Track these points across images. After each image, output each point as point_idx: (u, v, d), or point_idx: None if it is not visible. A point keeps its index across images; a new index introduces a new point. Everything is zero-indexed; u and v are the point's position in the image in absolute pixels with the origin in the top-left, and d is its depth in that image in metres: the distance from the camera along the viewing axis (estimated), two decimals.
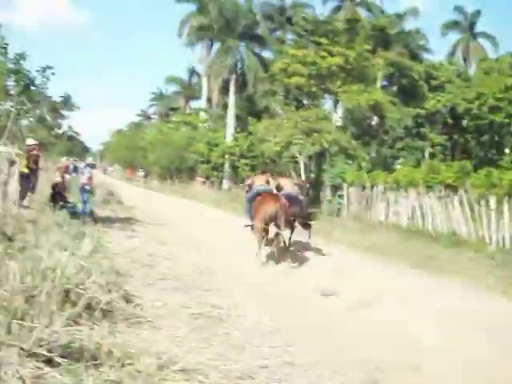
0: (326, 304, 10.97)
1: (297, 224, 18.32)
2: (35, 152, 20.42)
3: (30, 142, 20.40)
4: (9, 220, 14.52)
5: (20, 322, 5.91)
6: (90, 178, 21.24)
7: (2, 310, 6.39)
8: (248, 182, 19.11)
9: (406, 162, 43.94)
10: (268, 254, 16.29)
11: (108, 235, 17.31)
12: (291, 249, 17.54)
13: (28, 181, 20.15)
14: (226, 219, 30.08)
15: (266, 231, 16.10)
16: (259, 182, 17.89)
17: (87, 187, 21.21)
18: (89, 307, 7.35)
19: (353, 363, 7.35)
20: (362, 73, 41.02)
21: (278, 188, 17.66)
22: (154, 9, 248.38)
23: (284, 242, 16.95)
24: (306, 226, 19.05)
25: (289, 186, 18.43)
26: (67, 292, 7.30)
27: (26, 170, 19.87)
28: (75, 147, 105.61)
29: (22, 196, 20.10)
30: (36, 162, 20.69)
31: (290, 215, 16.67)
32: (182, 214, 28.86)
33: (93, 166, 23.05)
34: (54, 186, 21.04)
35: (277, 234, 15.93)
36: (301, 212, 18.13)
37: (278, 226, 15.68)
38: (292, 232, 18.00)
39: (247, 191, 18.37)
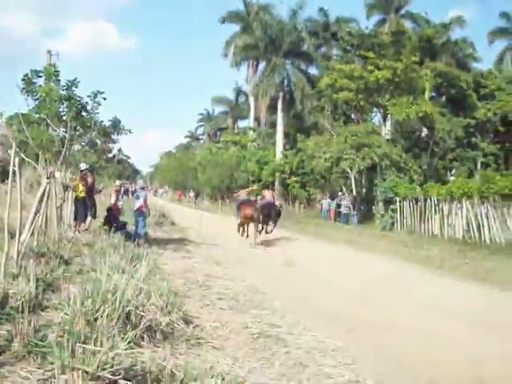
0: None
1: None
2: (89, 177, 20.67)
3: (83, 166, 20.65)
4: (65, 244, 14.71)
5: (83, 345, 5.94)
6: (146, 201, 21.39)
7: (64, 333, 6.45)
8: (235, 194, 30.43)
9: (459, 172, 43.39)
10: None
11: (163, 257, 17.38)
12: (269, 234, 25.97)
13: (85, 205, 20.41)
14: (279, 238, 30.03)
15: (247, 225, 26.18)
16: (243, 194, 27.79)
17: (144, 210, 21.39)
18: (149, 329, 7.39)
19: None
20: (410, 85, 40.76)
21: (262, 196, 26.96)
22: (198, 31, 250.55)
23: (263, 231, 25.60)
24: (277, 220, 26.59)
25: (268, 195, 26.71)
26: (128, 314, 7.34)
27: (82, 195, 20.13)
28: (125, 170, 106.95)
29: (82, 220, 20.37)
30: (91, 187, 20.94)
31: (264, 215, 24.89)
32: (234, 235, 28.84)
33: (143, 189, 23.15)
34: (109, 209, 21.30)
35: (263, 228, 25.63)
36: (274, 212, 25.78)
37: (254, 222, 24.74)
38: (275, 225, 26.30)
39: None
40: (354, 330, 9.79)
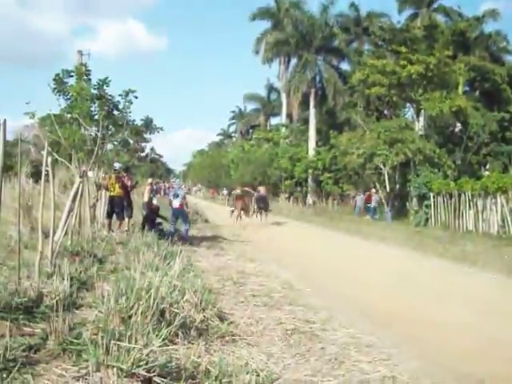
0: None
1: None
2: (125, 176, 20.77)
3: (117, 166, 20.75)
4: (99, 242, 14.83)
5: (118, 343, 5.97)
6: (185, 199, 21.51)
7: (99, 330, 6.50)
8: (233, 191, 38.17)
9: (493, 167, 42.96)
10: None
11: (197, 254, 17.47)
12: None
13: (122, 205, 20.53)
14: (313, 234, 30.00)
15: (240, 214, 32.93)
16: (238, 190, 34.92)
17: (185, 208, 21.51)
18: (184, 326, 7.42)
19: None
20: (444, 79, 40.43)
21: (258, 191, 35.33)
22: (229, 29, 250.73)
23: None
24: (267, 211, 34.87)
25: (262, 190, 35.45)
26: (162, 312, 7.38)
27: (118, 194, 20.25)
28: (158, 169, 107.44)
29: (121, 220, 20.51)
30: (128, 187, 21.04)
31: (258, 204, 34.28)
32: (267, 231, 28.83)
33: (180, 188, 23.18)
34: (150, 209, 21.44)
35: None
36: (265, 205, 34.79)
37: (245, 211, 33.63)
38: (266, 215, 34.83)
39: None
40: (390, 326, 9.73)
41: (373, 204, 41.86)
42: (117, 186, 20.27)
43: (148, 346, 6.03)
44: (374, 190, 42.42)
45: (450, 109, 37.84)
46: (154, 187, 28.28)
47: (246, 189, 36.82)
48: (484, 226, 30.01)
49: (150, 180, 25.84)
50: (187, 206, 22.13)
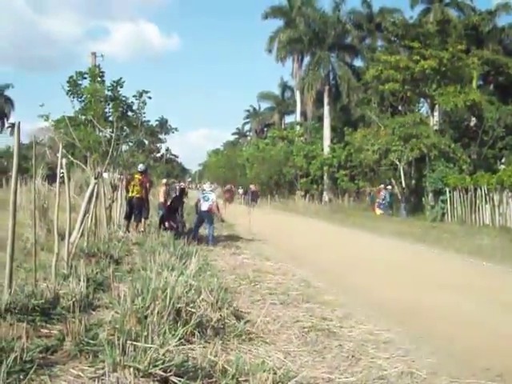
0: None
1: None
2: (144, 178, 20.75)
3: (141, 167, 20.73)
4: (115, 243, 14.85)
5: (134, 343, 5.97)
6: (215, 203, 21.47)
7: (115, 331, 6.50)
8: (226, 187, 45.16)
9: (509, 161, 42.70)
10: None
11: (213, 253, 17.47)
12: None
13: (142, 206, 20.53)
14: (330, 231, 29.95)
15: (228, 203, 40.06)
16: (228, 186, 41.31)
17: (213, 212, 21.47)
18: (200, 325, 7.41)
19: None
20: (457, 73, 40.20)
21: (249, 187, 47.05)
22: (242, 27, 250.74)
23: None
24: (257, 200, 42.65)
25: (253, 187, 47.15)
26: (178, 311, 7.38)
27: (138, 195, 20.24)
28: (174, 169, 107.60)
29: (139, 220, 20.52)
30: (145, 187, 21.05)
31: (252, 198, 45.37)
32: (284, 229, 28.82)
33: (212, 191, 23.04)
34: (167, 207, 21.44)
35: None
36: (255, 198, 43.16)
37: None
38: (254, 206, 40.77)
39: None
40: (407, 321, 9.70)
41: (383, 199, 41.88)
42: (138, 187, 20.25)
43: (164, 346, 6.03)
44: (382, 186, 42.47)
45: (464, 103, 37.65)
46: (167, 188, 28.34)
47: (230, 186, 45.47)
48: (501, 219, 29.89)
49: (164, 180, 25.82)
50: (218, 209, 21.99)
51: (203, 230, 21.56)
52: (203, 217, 20.98)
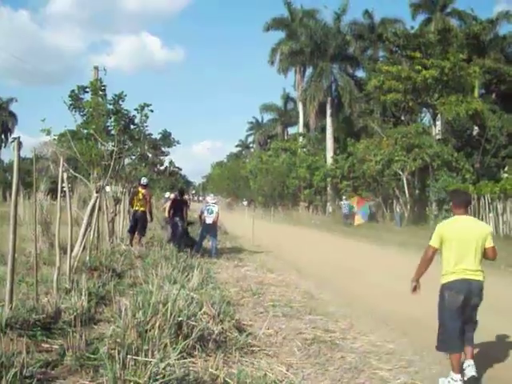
0: None
1: None
2: (146, 191, 20.68)
3: (144, 181, 20.67)
4: (118, 257, 14.82)
5: (134, 357, 5.95)
6: (218, 215, 21.53)
7: (116, 345, 6.47)
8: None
9: None
10: None
11: (216, 266, 17.42)
12: None
13: (145, 219, 20.48)
14: (333, 242, 29.91)
15: None
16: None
17: (217, 224, 21.60)
18: (202, 338, 7.38)
19: None
20: (459, 83, 40.24)
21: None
22: (244, 40, 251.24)
23: None
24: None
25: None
26: (179, 324, 7.34)
27: (142, 209, 20.20)
28: (178, 182, 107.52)
29: (143, 234, 20.48)
30: (150, 202, 21.01)
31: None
32: (287, 241, 28.78)
33: (216, 204, 22.95)
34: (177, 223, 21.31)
35: None
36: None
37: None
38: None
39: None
40: (409, 333, 9.67)
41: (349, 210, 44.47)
42: (142, 200, 20.21)
43: (165, 360, 6.00)
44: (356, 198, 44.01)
45: (466, 112, 37.69)
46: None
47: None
48: (504, 228, 29.85)
49: (167, 194, 25.78)
50: (217, 219, 22.11)
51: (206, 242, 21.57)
52: (208, 230, 20.96)
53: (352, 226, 42.99)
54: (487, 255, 7.51)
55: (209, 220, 20.80)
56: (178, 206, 20.85)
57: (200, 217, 21.63)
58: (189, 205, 23.69)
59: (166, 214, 22.03)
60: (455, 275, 7.37)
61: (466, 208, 7.81)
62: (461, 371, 6.99)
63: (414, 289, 7.86)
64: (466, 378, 6.95)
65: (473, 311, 7.36)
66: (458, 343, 7.16)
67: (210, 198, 22.51)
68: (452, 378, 6.96)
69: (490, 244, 7.42)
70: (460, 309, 7.23)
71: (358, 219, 43.35)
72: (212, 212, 20.90)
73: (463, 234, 7.39)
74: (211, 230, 20.95)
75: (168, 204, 22.60)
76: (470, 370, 7.02)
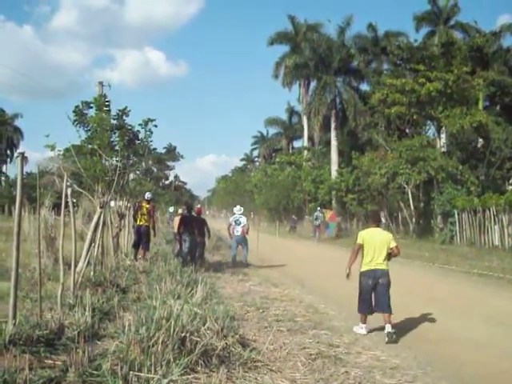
0: None
1: None
2: (150, 206, 20.68)
3: (148, 196, 20.69)
4: (122, 272, 14.82)
5: (137, 373, 5.94)
6: (247, 226, 21.91)
7: (119, 361, 6.46)
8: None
9: None
10: None
11: (220, 280, 17.38)
12: None
13: (149, 234, 20.53)
14: (338, 257, 29.85)
15: None
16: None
17: (246, 236, 21.91)
18: (205, 354, 7.34)
19: None
20: (463, 95, 40.20)
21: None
22: (248, 54, 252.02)
23: None
24: None
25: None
26: (183, 340, 7.32)
27: (147, 224, 20.24)
28: (183, 196, 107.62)
29: (147, 249, 20.50)
30: (153, 217, 21.07)
31: None
32: (292, 255, 28.74)
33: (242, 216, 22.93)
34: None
35: None
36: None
37: None
38: None
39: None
40: (414, 347, 9.65)
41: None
42: (146, 215, 20.26)
43: (168, 376, 6.00)
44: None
45: (470, 125, 37.64)
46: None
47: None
48: (510, 240, 29.75)
49: (171, 209, 25.77)
50: (247, 232, 22.48)
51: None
52: (239, 241, 21.48)
53: (316, 240, 43.29)
54: (393, 252, 11.06)
55: (238, 231, 21.23)
56: (188, 223, 20.67)
57: (228, 229, 22.02)
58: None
59: (176, 230, 21.99)
60: (367, 266, 10.95)
61: (378, 223, 12.25)
62: (365, 322, 10.96)
63: (348, 276, 11.07)
64: (386, 331, 10.19)
65: (383, 288, 10.80)
66: (366, 308, 10.95)
67: (236, 210, 22.76)
68: (360, 326, 10.95)
69: (393, 244, 11.05)
70: (370, 287, 10.85)
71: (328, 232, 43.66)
72: (240, 223, 21.52)
73: (375, 240, 11.02)
74: (242, 240, 21.50)
75: (177, 219, 22.54)
76: (388, 327, 10.24)
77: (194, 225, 20.57)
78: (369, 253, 10.94)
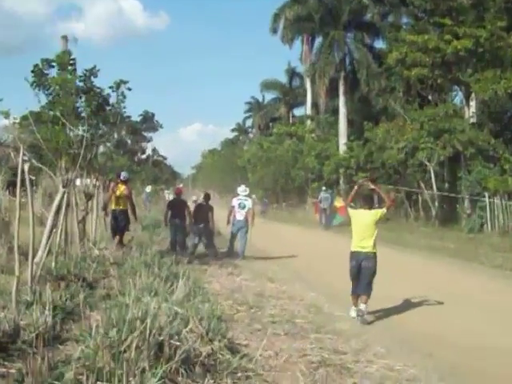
0: None
1: None
2: (127, 188, 20.66)
3: (124, 175, 20.68)
4: (89, 264, 14.79)
5: None
6: (252, 212, 21.68)
7: (84, 369, 6.48)
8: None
9: None
10: None
11: (207, 274, 17.40)
12: None
13: (128, 218, 20.54)
14: (343, 246, 29.86)
15: None
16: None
17: (249, 222, 21.85)
18: (187, 361, 7.35)
19: None
20: (497, 56, 39.92)
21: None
22: (240, 3, 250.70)
23: None
24: None
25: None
26: (160, 345, 7.31)
27: (123, 207, 20.24)
28: (163, 173, 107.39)
29: (122, 234, 20.51)
30: (130, 198, 21.02)
31: None
32: (291, 244, 28.75)
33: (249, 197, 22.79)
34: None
35: None
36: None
37: None
38: None
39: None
40: (435, 354, 9.68)
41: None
42: (124, 199, 20.25)
43: None
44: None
45: (505, 91, 37.47)
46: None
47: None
48: None
49: (148, 189, 25.80)
50: (253, 218, 22.17)
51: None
52: (239, 227, 21.08)
53: (323, 226, 43.35)
54: (387, 205, 13.40)
55: (239, 216, 20.93)
56: (197, 210, 21.02)
57: (229, 214, 21.77)
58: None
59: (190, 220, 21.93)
60: (353, 248, 12.95)
61: (370, 206, 14.07)
62: (356, 305, 12.62)
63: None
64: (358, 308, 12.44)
65: (366, 271, 12.64)
66: (353, 290, 12.86)
67: (241, 190, 22.50)
68: (353, 308, 12.75)
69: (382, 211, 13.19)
70: (354, 269, 12.80)
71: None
72: (244, 207, 21.19)
73: (361, 220, 12.90)
74: (242, 227, 21.08)
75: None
76: (360, 305, 12.42)
77: (203, 212, 20.79)
78: (356, 233, 12.96)
